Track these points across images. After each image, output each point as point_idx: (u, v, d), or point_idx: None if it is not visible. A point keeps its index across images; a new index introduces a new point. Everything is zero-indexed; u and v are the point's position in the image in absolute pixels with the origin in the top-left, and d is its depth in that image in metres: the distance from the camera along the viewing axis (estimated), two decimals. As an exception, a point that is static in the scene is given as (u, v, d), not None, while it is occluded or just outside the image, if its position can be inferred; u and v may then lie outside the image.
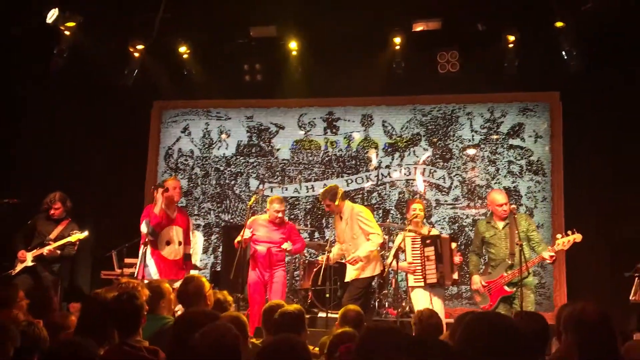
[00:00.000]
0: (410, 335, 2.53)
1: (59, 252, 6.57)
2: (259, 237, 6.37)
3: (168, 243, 6.16)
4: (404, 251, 5.97)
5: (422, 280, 5.88)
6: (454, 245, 6.03)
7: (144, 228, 6.05)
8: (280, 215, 6.40)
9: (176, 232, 6.21)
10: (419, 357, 1.90)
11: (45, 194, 6.77)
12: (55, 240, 6.56)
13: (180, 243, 6.22)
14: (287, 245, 6.29)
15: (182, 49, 8.14)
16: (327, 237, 7.87)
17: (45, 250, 6.50)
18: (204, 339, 2.21)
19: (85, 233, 6.62)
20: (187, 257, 6.36)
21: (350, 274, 6.20)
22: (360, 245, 6.09)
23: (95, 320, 3.02)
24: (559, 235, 5.71)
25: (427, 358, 1.89)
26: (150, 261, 6.09)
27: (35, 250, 6.54)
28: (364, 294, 6.19)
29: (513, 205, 6.07)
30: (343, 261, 7.26)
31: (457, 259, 6.01)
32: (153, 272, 6.05)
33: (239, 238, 6.26)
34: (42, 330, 2.71)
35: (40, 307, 4.02)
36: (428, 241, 5.91)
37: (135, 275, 6.00)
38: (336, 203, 6.21)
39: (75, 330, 3.16)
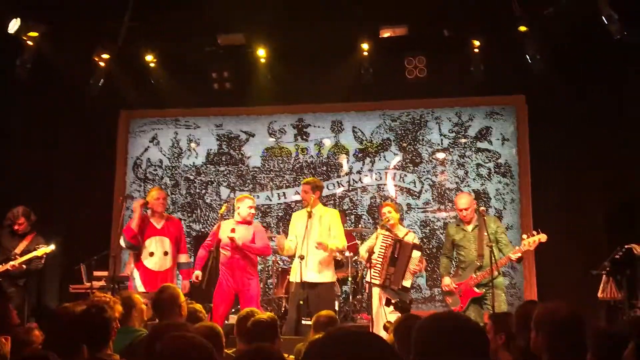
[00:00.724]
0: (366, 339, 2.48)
1: (24, 266, 6.43)
2: (225, 242, 6.19)
3: (152, 254, 6.12)
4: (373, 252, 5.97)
5: (377, 278, 5.88)
6: (417, 253, 5.90)
7: (121, 243, 6.05)
8: (253, 211, 6.32)
9: (161, 243, 6.16)
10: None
11: (9, 207, 6.62)
12: (21, 254, 6.42)
13: (166, 253, 6.17)
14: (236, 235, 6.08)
15: (149, 58, 8.05)
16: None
17: (9, 265, 6.35)
18: (167, 350, 2.12)
19: (52, 247, 6.52)
20: (181, 265, 6.32)
21: (314, 273, 6.04)
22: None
23: (63, 335, 2.94)
24: (524, 236, 5.81)
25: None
26: (135, 274, 6.09)
27: (0, 266, 6.38)
28: (333, 300, 6.16)
29: (482, 208, 6.16)
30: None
31: (414, 267, 5.86)
32: (138, 284, 6.04)
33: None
34: (2, 346, 2.62)
35: (2, 322, 3.90)
36: (390, 241, 5.92)
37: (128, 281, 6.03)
38: (313, 195, 6.16)
39: (43, 345, 3.08)
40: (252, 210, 6.32)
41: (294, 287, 6.04)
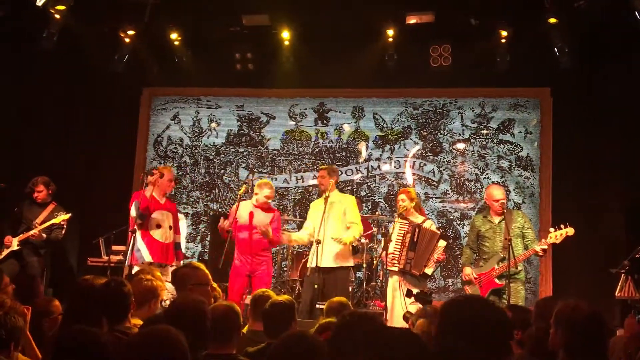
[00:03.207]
0: (384, 325, 2.52)
1: (44, 235, 6.53)
2: (242, 223, 6.19)
3: (159, 226, 6.15)
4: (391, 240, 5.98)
5: (396, 264, 5.90)
6: (443, 243, 5.95)
7: (133, 211, 6.05)
8: (269, 201, 6.32)
9: (167, 216, 6.21)
10: (388, 347, 1.89)
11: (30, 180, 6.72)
12: (41, 223, 6.51)
13: (170, 227, 6.22)
14: (269, 229, 6.08)
15: (174, 36, 8.05)
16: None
17: (31, 232, 6.45)
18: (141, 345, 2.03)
19: (69, 214, 6.58)
20: (177, 245, 6.34)
21: (329, 256, 6.06)
22: (338, 231, 6.06)
23: (83, 307, 2.99)
24: (551, 229, 5.76)
25: (395, 348, 1.87)
26: (141, 245, 6.07)
27: (21, 235, 6.49)
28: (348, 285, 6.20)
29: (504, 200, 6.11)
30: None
31: (438, 255, 5.91)
32: (145, 255, 6.03)
33: (227, 224, 6.19)
34: (17, 319, 2.67)
35: (26, 292, 3.97)
36: (408, 227, 5.91)
37: (126, 263, 6.00)
38: (331, 180, 6.18)
39: (63, 317, 3.13)
40: (269, 201, 6.32)
41: (310, 272, 6.06)
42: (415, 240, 5.85)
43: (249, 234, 6.18)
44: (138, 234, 5.99)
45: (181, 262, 6.35)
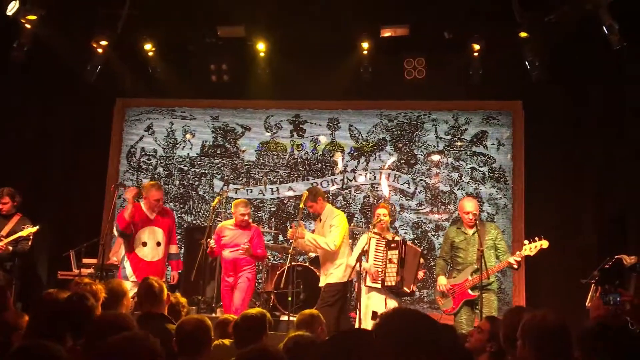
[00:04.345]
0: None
1: (10, 248, 6.39)
2: (226, 242, 6.42)
3: (144, 244, 6.13)
4: (366, 253, 5.98)
5: (380, 282, 5.89)
6: (422, 260, 6.09)
7: (114, 231, 6.12)
8: (246, 218, 6.46)
9: (154, 233, 6.17)
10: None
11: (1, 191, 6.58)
12: (7, 236, 6.38)
13: (158, 244, 6.19)
14: (245, 246, 6.31)
15: (148, 47, 8.00)
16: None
17: None
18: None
19: (37, 227, 6.48)
20: (171, 256, 6.37)
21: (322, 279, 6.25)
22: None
23: (46, 321, 2.92)
24: (525, 241, 5.80)
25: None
26: (126, 263, 6.11)
27: (-15, 248, 6.35)
28: (339, 299, 6.14)
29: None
30: (307, 264, 7.27)
31: (421, 274, 6.10)
32: (129, 273, 6.07)
33: (211, 243, 6.29)
34: None
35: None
36: (393, 245, 5.93)
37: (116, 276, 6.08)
38: (317, 202, 6.24)
39: (26, 331, 3.06)
40: (245, 217, 6.46)
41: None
42: (403, 256, 5.87)
43: (231, 252, 6.39)
44: (123, 250, 6.09)
45: (178, 271, 6.45)
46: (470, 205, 5.98)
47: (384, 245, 5.98)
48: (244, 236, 6.43)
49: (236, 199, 8.61)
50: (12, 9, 6.79)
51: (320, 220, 6.29)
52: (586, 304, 6.01)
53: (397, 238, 6.12)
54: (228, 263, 6.42)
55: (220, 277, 6.57)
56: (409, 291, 5.96)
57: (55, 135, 8.58)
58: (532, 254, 5.71)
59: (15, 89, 8.04)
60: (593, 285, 6.01)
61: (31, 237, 6.49)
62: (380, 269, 5.91)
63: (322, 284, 6.24)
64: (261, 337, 3.45)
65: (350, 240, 7.71)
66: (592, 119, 7.78)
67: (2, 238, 6.37)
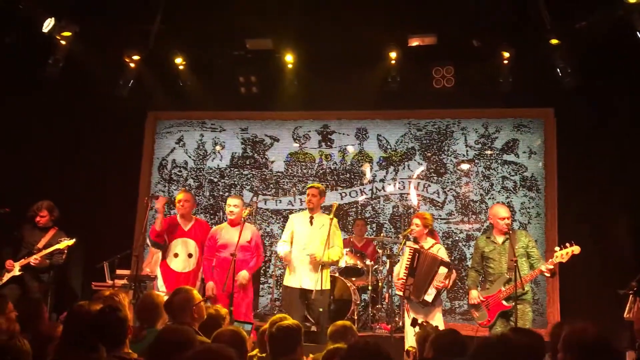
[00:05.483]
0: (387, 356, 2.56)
1: (47, 261, 6.51)
2: (222, 244, 6.22)
3: (176, 255, 6.18)
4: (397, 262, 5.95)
5: (400, 289, 5.85)
6: (444, 270, 5.72)
7: (147, 241, 6.18)
8: (234, 210, 6.21)
9: (186, 245, 6.22)
10: None
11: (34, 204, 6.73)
12: (43, 249, 6.50)
13: (190, 255, 6.22)
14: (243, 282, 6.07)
15: (178, 60, 8.13)
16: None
17: (32, 259, 6.43)
18: None
19: (73, 240, 6.58)
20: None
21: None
22: (322, 250, 6.00)
23: (78, 333, 2.97)
24: (557, 248, 5.65)
25: None
26: (159, 273, 6.19)
27: (22, 260, 6.47)
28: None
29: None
30: (336, 275, 7.24)
31: (438, 282, 5.69)
32: (160, 284, 6.15)
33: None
34: (24, 344, 2.65)
35: (29, 318, 3.94)
36: (410, 252, 5.87)
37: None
38: (320, 201, 6.28)
39: (60, 342, 3.11)
40: (234, 210, 6.22)
41: (290, 292, 6.08)
42: (414, 265, 5.78)
43: (227, 253, 6.10)
44: (152, 262, 6.18)
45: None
46: (504, 211, 5.87)
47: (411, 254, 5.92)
48: (236, 234, 6.03)
49: (265, 209, 8.74)
50: (47, 25, 6.98)
51: (312, 222, 6.17)
52: (624, 315, 5.87)
53: (433, 249, 5.91)
54: (223, 264, 6.11)
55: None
56: (417, 300, 5.75)
57: (88, 149, 8.76)
58: (564, 260, 5.58)
59: (50, 104, 8.23)
60: (631, 296, 5.87)
61: (66, 251, 6.58)
62: (404, 279, 5.84)
63: (309, 287, 6.07)
64: (296, 348, 3.45)
65: (380, 251, 7.71)
66: (624, 125, 7.63)
67: (38, 250, 6.50)
